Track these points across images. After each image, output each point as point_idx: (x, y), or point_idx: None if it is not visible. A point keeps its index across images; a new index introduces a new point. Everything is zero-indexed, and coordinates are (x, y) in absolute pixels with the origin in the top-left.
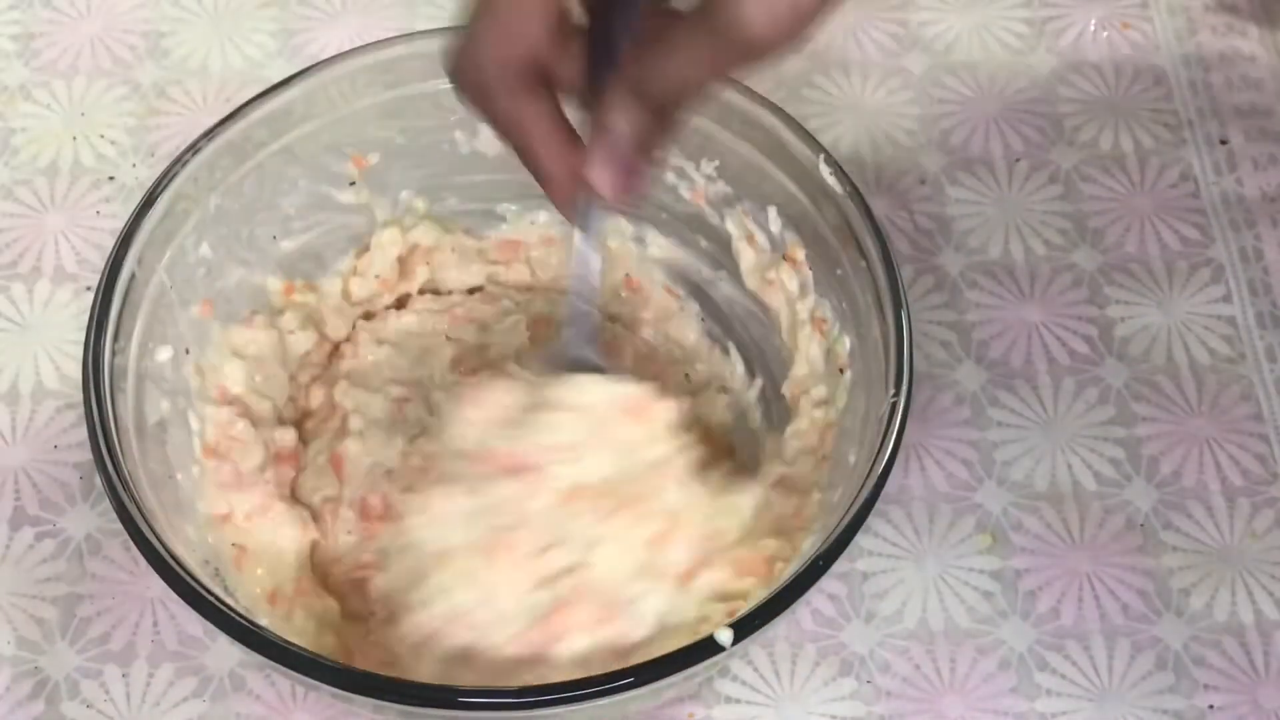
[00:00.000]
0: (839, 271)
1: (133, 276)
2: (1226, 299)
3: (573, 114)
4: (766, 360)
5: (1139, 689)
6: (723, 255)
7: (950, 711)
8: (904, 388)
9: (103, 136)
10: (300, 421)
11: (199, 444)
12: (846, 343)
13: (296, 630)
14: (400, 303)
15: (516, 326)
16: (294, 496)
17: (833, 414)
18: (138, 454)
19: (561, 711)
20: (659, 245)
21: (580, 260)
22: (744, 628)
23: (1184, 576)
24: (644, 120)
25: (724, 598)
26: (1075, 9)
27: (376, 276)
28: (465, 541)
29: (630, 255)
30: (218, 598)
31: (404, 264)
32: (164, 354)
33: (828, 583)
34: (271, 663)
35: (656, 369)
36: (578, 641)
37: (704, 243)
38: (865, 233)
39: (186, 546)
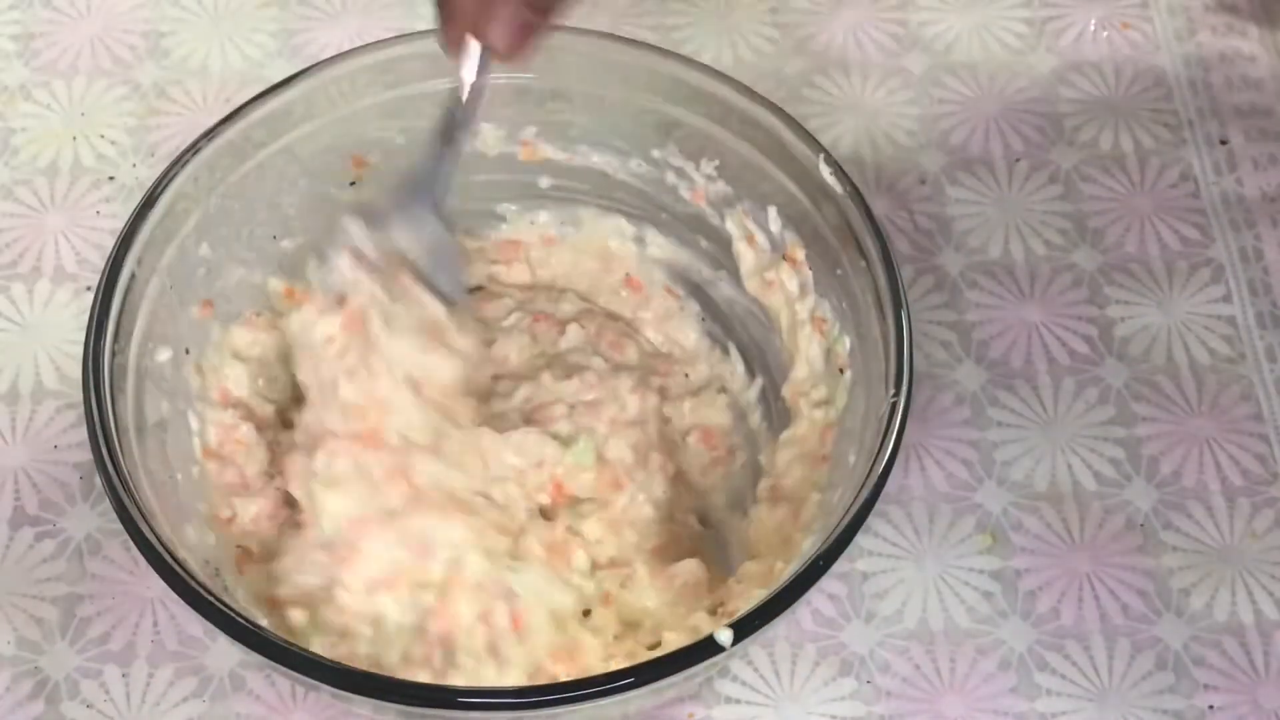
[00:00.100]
0: (839, 271)
1: (133, 276)
2: (1226, 299)
3: None
4: (766, 360)
5: (1139, 689)
6: (723, 255)
7: (950, 711)
8: (904, 388)
9: (103, 136)
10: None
11: (199, 444)
12: (846, 343)
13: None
14: None
15: (520, 323)
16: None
17: (832, 414)
18: (138, 454)
19: (561, 711)
20: (659, 245)
21: (469, 100)
22: (744, 628)
23: (1184, 576)
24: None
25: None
26: (1075, 9)
27: None
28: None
29: (630, 255)
30: (218, 598)
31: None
32: (164, 354)
33: (828, 583)
34: (271, 663)
35: (657, 369)
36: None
37: (704, 243)
38: (865, 233)
39: (186, 546)
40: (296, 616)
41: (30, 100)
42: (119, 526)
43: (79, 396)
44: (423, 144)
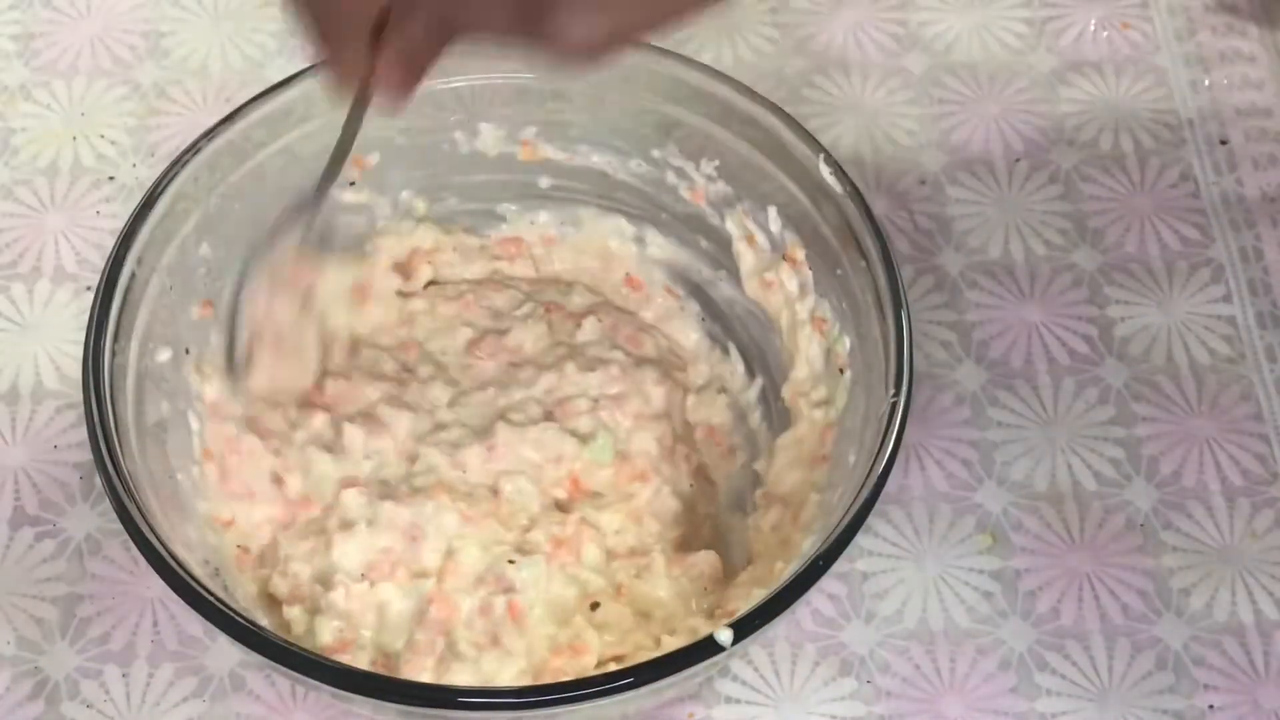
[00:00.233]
0: (839, 271)
1: (133, 276)
2: (1226, 299)
3: None
4: (766, 360)
5: (1139, 689)
6: (723, 255)
7: (950, 711)
8: (904, 388)
9: (103, 136)
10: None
11: (199, 445)
12: (846, 343)
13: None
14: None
15: (535, 312)
16: None
17: (832, 414)
18: (138, 454)
19: (561, 711)
20: (659, 245)
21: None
22: (744, 628)
23: (1184, 576)
24: (435, 38)
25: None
26: (1075, 9)
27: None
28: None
29: (630, 255)
30: (218, 598)
31: (405, 267)
32: (164, 354)
33: (828, 583)
34: (271, 663)
35: (675, 363)
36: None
37: (704, 243)
38: (865, 233)
39: (186, 546)
40: (294, 614)
41: (30, 100)
42: (119, 526)
43: (79, 396)
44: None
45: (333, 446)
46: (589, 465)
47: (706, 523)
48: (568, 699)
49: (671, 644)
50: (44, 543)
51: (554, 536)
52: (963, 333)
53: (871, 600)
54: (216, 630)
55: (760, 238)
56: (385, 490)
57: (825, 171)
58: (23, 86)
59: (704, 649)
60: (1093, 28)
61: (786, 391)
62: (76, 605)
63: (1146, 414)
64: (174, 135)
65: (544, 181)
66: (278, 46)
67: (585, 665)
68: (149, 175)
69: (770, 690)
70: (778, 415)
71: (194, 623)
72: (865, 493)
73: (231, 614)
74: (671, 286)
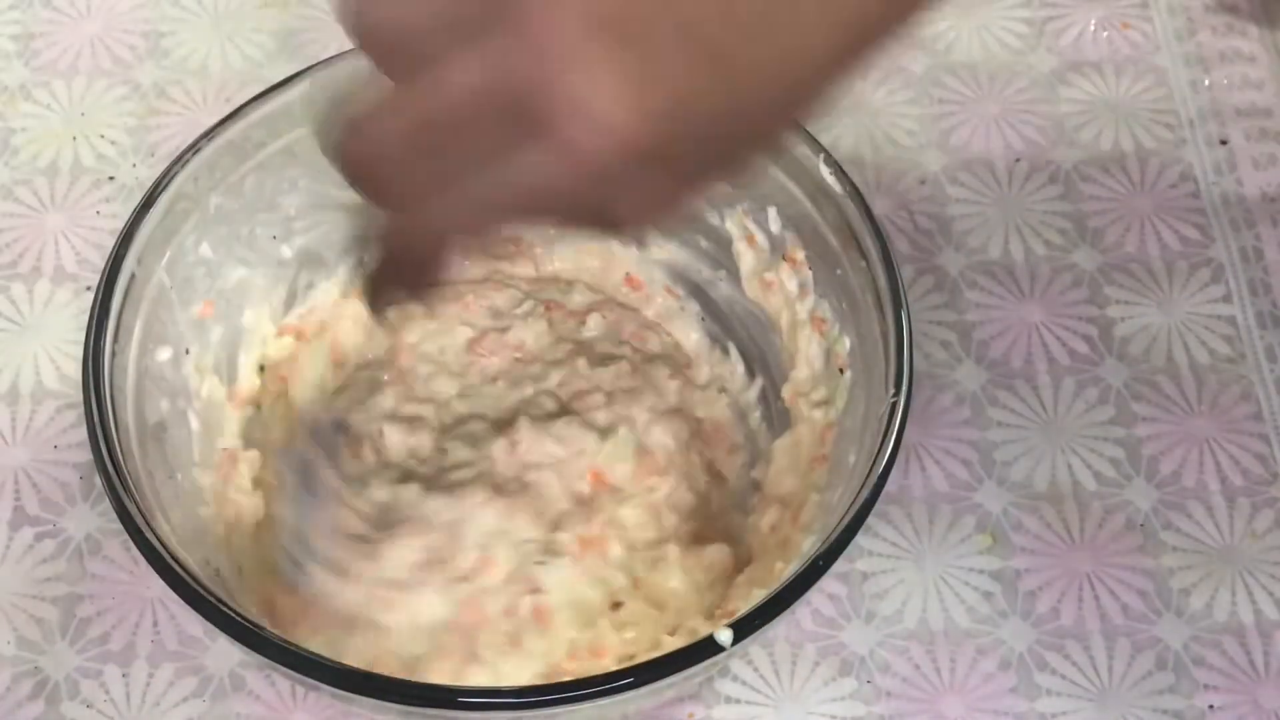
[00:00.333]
0: (839, 271)
1: (133, 276)
2: (1226, 299)
3: None
4: (766, 361)
5: (1139, 689)
6: (723, 255)
7: (950, 711)
8: (904, 388)
9: (103, 136)
10: None
11: (199, 445)
12: (846, 343)
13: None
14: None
15: (535, 310)
16: None
17: (832, 414)
18: (138, 454)
19: (561, 711)
20: (659, 245)
21: None
22: (744, 628)
23: (1184, 576)
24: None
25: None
26: (1075, 9)
27: None
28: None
29: (630, 255)
30: (218, 598)
31: None
32: (164, 354)
33: (828, 583)
34: (271, 663)
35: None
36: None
37: (704, 243)
38: (865, 233)
39: (186, 546)
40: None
41: (30, 100)
42: (119, 526)
43: (79, 396)
44: None
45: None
46: (610, 459)
47: (719, 517)
48: (567, 699)
49: (671, 644)
50: (44, 543)
51: (580, 536)
52: (963, 333)
53: (871, 600)
54: (216, 630)
55: (760, 238)
56: (429, 484)
57: (825, 171)
58: (23, 86)
59: (704, 649)
60: (1093, 28)
61: (786, 392)
62: (76, 605)
63: (1146, 414)
64: (174, 135)
65: None
66: (278, 46)
67: (601, 668)
68: (149, 175)
69: (770, 690)
70: (778, 415)
71: (194, 623)
72: (865, 493)
73: (231, 614)
74: (671, 286)
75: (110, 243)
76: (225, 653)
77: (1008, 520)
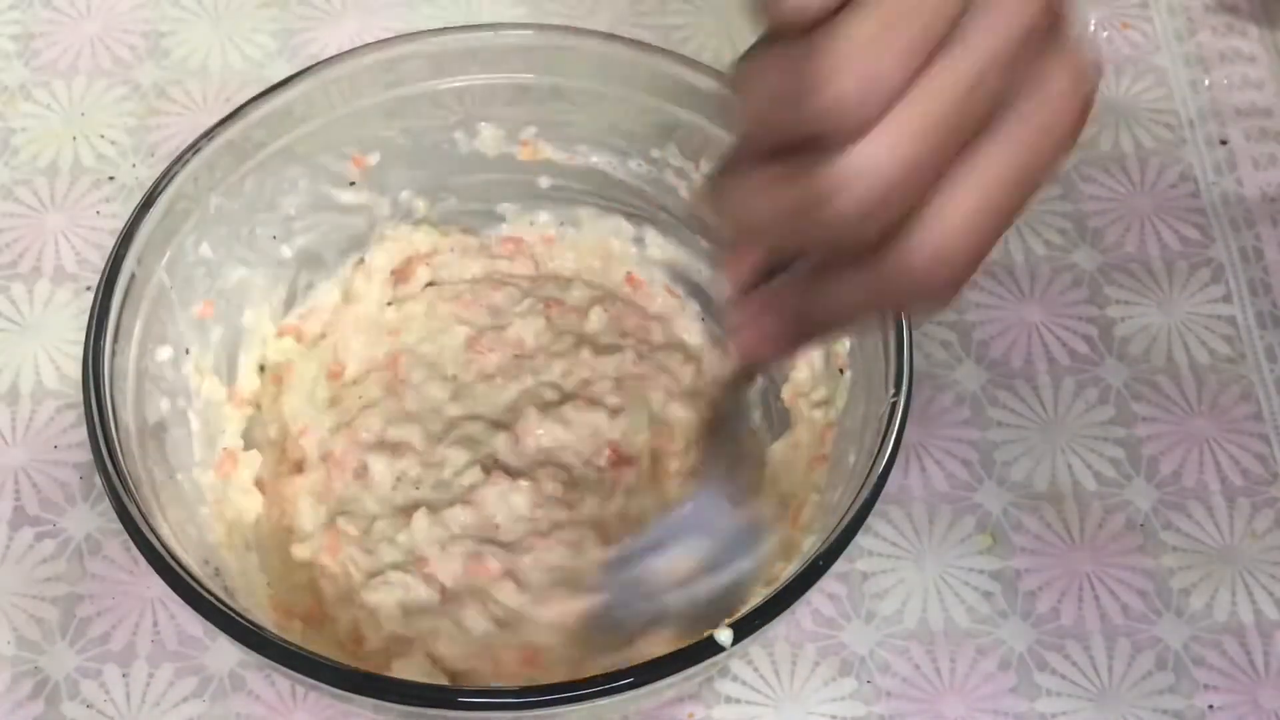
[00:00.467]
0: None
1: (133, 276)
2: (1226, 299)
3: None
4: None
5: (1139, 689)
6: (723, 255)
7: (950, 711)
8: (904, 388)
9: (103, 136)
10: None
11: (199, 445)
12: (846, 343)
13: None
14: (397, 302)
15: (534, 308)
16: None
17: (832, 414)
18: (138, 454)
19: (561, 711)
20: (659, 245)
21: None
22: (744, 628)
23: (1184, 576)
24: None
25: None
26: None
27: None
28: None
29: (630, 255)
30: (218, 598)
31: (402, 272)
32: (164, 354)
33: (828, 583)
34: (271, 663)
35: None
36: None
37: (704, 243)
38: None
39: (186, 546)
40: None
41: (30, 100)
42: (119, 526)
43: (79, 396)
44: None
45: (367, 486)
46: (627, 434)
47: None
48: (567, 699)
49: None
50: (44, 543)
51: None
52: (963, 333)
53: (871, 600)
54: (216, 630)
55: None
56: (438, 500)
57: None
58: (23, 86)
59: (704, 649)
60: (1093, 28)
61: (786, 392)
62: (76, 605)
63: (1146, 414)
64: (174, 135)
65: (544, 181)
66: (278, 46)
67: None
68: (149, 175)
69: (770, 690)
70: (778, 415)
71: (194, 623)
72: (865, 493)
73: (231, 614)
74: (671, 286)
75: (110, 243)
76: (225, 653)
77: (1008, 520)
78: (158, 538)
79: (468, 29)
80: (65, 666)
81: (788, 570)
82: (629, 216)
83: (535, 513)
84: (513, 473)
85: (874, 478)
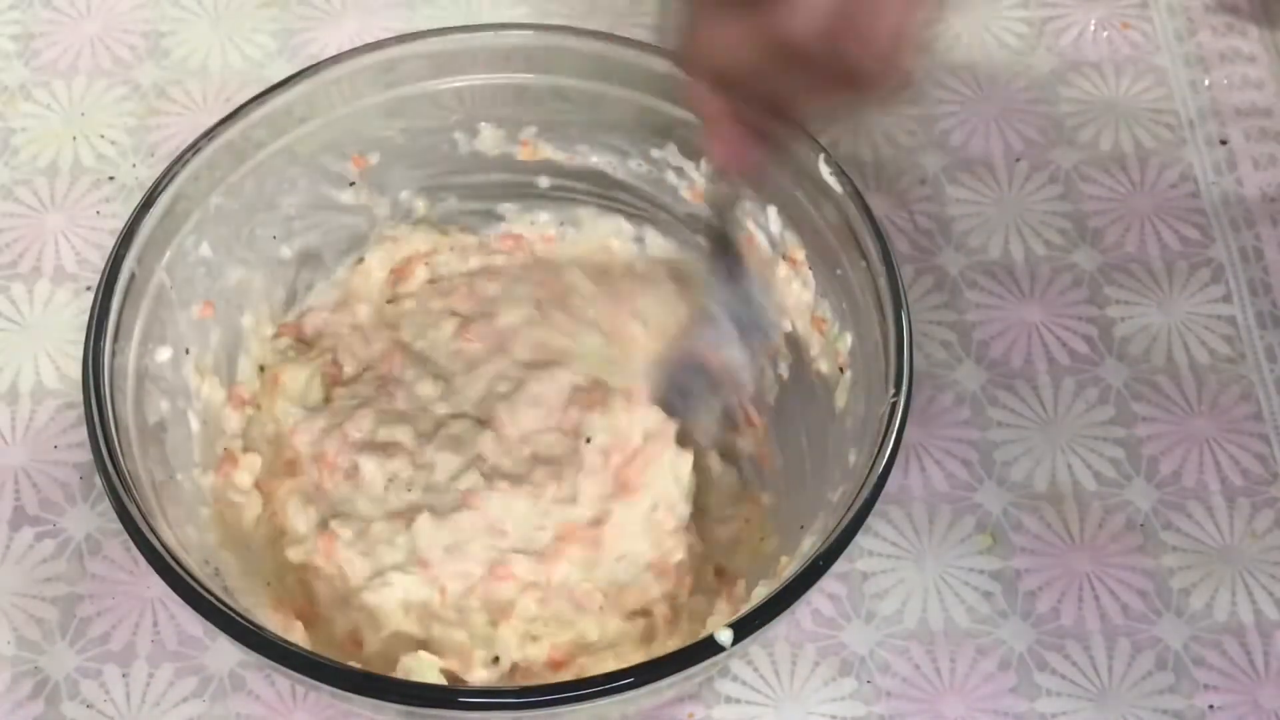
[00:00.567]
0: (839, 271)
1: (133, 276)
2: (1226, 299)
3: None
4: None
5: (1139, 689)
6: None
7: (950, 711)
8: (904, 388)
9: (103, 136)
10: None
11: (199, 445)
12: (847, 342)
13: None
14: (396, 300)
15: (526, 294)
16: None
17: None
18: (138, 454)
19: (561, 711)
20: (659, 245)
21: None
22: (744, 628)
23: (1184, 576)
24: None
25: None
26: (1075, 9)
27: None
28: None
29: (630, 255)
30: (218, 598)
31: (401, 271)
32: (164, 354)
33: (828, 583)
34: (271, 663)
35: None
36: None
37: (704, 243)
38: (865, 233)
39: (186, 546)
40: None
41: (30, 100)
42: (119, 526)
43: (79, 396)
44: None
45: (359, 487)
46: (591, 369)
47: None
48: (567, 699)
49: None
50: (44, 543)
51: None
52: (963, 333)
53: (871, 600)
54: (216, 630)
55: (760, 238)
56: (440, 501)
57: (825, 171)
58: (23, 86)
59: (704, 649)
60: (1093, 28)
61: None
62: (76, 605)
63: (1146, 414)
64: (174, 135)
65: (544, 181)
66: (278, 46)
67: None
68: (149, 175)
69: (770, 690)
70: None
71: (194, 623)
72: (865, 493)
73: (231, 614)
74: None
75: (110, 243)
76: (225, 653)
77: (1008, 520)
78: (158, 538)
79: (468, 29)
80: (65, 666)
81: (788, 570)
82: (629, 216)
83: (544, 521)
84: (511, 478)
85: (874, 478)
